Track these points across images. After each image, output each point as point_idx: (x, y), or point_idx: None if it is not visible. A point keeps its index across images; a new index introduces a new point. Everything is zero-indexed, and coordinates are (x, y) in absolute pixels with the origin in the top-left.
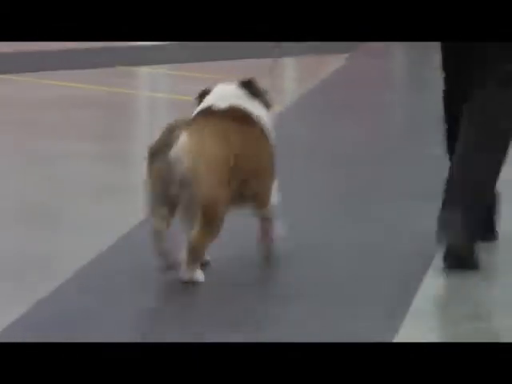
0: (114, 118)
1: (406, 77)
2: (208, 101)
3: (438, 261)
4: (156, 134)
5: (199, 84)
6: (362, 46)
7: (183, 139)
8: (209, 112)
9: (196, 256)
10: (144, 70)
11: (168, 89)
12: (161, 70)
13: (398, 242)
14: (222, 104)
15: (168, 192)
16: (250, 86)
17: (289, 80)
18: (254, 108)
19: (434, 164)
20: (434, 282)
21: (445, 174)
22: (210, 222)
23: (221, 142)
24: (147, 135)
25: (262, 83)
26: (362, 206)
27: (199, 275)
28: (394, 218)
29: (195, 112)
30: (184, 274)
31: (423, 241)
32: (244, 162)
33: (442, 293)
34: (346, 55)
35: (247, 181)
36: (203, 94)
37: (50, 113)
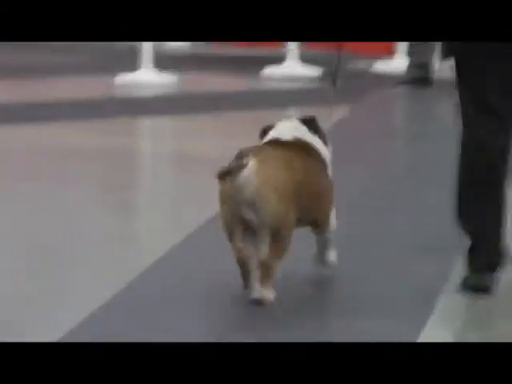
0: (115, 169)
1: (408, 128)
2: (273, 134)
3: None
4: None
5: (202, 136)
6: (365, 98)
7: (251, 164)
8: (274, 143)
9: (269, 275)
10: (147, 121)
11: (171, 140)
12: (164, 121)
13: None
14: (286, 136)
15: (241, 214)
16: (310, 123)
17: None
18: (314, 141)
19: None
20: None
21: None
22: (279, 242)
23: (285, 169)
24: (150, 185)
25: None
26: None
27: (271, 294)
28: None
29: (264, 141)
30: (257, 293)
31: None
32: (306, 188)
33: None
34: (348, 107)
35: (309, 206)
36: (267, 129)
37: (53, 162)
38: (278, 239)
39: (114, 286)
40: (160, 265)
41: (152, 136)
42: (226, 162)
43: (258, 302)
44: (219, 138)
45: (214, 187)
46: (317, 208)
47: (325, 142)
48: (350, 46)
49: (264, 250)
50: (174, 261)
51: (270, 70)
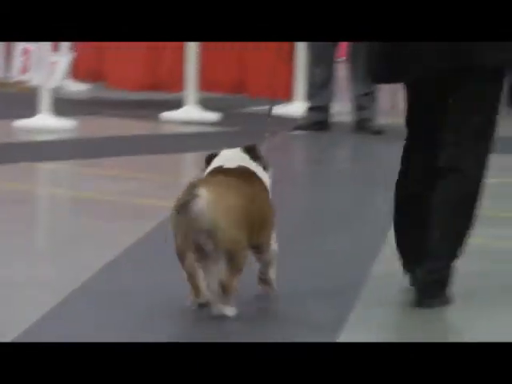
0: (14, 213)
1: (304, 172)
2: (218, 162)
3: None
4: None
5: (101, 179)
6: (261, 144)
7: (204, 194)
8: (221, 171)
9: (228, 293)
10: (46, 166)
11: (69, 185)
12: (63, 166)
13: None
14: (230, 164)
15: (195, 240)
16: (251, 151)
17: (187, 176)
18: (256, 168)
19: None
20: None
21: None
22: (236, 263)
23: (235, 196)
24: (49, 229)
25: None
26: None
27: (231, 310)
28: None
29: (207, 171)
30: (217, 309)
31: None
32: (253, 214)
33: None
34: None
35: (256, 231)
36: (211, 158)
37: None
38: (234, 261)
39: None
40: (61, 309)
41: (51, 181)
42: (125, 204)
43: (220, 317)
44: (118, 181)
45: (114, 229)
46: (262, 232)
47: (265, 168)
48: (249, 91)
49: (222, 271)
50: (71, 308)
51: (168, 114)
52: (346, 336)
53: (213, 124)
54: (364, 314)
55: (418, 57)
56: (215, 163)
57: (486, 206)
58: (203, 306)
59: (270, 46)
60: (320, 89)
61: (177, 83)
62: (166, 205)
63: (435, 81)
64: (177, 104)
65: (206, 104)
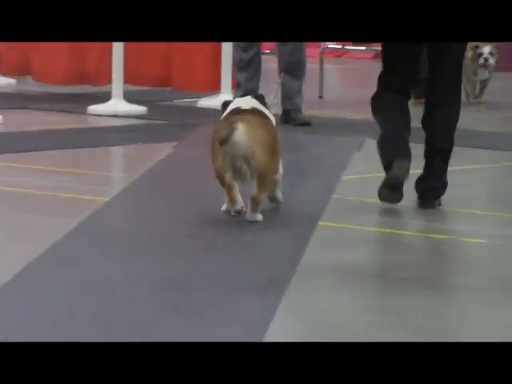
0: None
1: None
2: (235, 105)
3: None
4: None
5: (27, 174)
6: (189, 135)
7: (240, 128)
8: (240, 111)
9: (257, 204)
10: None
11: None
12: None
13: None
14: (247, 107)
15: (234, 164)
16: (259, 98)
17: (116, 169)
18: (265, 111)
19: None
20: None
21: None
22: (264, 182)
23: (263, 129)
24: None
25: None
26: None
27: (260, 217)
28: None
29: (229, 111)
30: (250, 216)
31: None
32: (271, 142)
33: None
34: (173, 144)
35: (272, 155)
36: (226, 104)
37: None
38: (263, 181)
39: None
40: None
41: None
42: (53, 198)
43: (252, 222)
44: (46, 175)
45: (42, 224)
46: (275, 157)
47: (268, 109)
48: (174, 84)
49: (254, 188)
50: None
51: (95, 108)
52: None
53: (139, 117)
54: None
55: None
56: (233, 106)
57: None
58: (238, 212)
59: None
60: (250, 79)
61: (103, 77)
62: (95, 199)
63: None
64: (104, 97)
65: (132, 97)
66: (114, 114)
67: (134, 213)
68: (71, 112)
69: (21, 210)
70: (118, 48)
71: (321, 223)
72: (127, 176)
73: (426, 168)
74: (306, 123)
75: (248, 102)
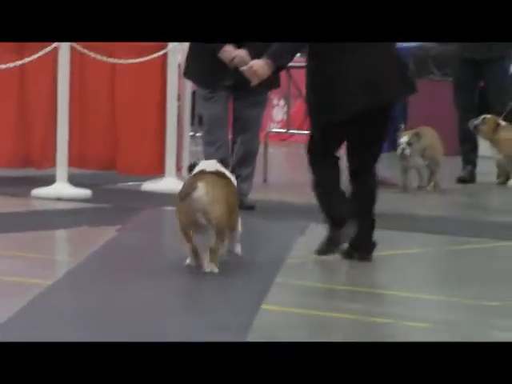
0: None
1: (176, 247)
2: (199, 168)
3: None
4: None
5: None
6: (133, 219)
7: (201, 186)
8: (205, 172)
9: (215, 255)
10: None
11: None
12: None
13: None
14: (211, 169)
15: (193, 219)
16: (223, 162)
17: (60, 253)
18: (227, 172)
19: None
20: None
21: None
22: (222, 235)
23: (220, 188)
24: None
25: None
26: None
27: (216, 268)
28: None
29: (194, 172)
30: (208, 266)
31: None
32: (230, 201)
33: None
34: (118, 227)
35: (230, 213)
36: (192, 166)
37: None
38: (220, 234)
39: None
40: None
41: None
42: None
43: (210, 273)
44: None
45: (7, 306)
46: (234, 215)
47: (232, 172)
48: (119, 167)
49: (212, 240)
50: None
51: (39, 191)
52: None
53: (84, 200)
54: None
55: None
56: (198, 168)
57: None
58: (198, 266)
59: (140, 124)
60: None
61: (47, 159)
62: (39, 282)
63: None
64: (48, 180)
65: (76, 180)
66: (59, 197)
67: (78, 295)
68: (15, 195)
69: None
70: (62, 131)
71: (263, 307)
72: (71, 259)
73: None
74: (250, 207)
75: (212, 165)
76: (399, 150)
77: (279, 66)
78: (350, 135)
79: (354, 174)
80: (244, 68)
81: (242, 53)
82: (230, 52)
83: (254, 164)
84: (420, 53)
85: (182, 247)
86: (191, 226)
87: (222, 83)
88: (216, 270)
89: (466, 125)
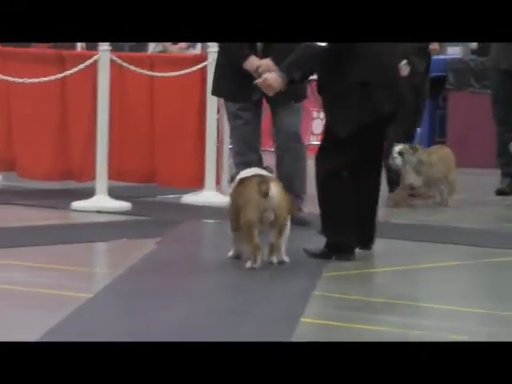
0: None
1: (215, 259)
2: (248, 173)
3: None
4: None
5: (11, 270)
6: (173, 231)
7: (274, 187)
8: (259, 175)
9: (279, 249)
10: None
11: None
12: None
13: None
14: (263, 173)
15: (262, 215)
16: (267, 169)
17: (100, 265)
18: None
19: None
20: None
21: None
22: (283, 232)
23: (283, 189)
24: None
25: None
26: None
27: (287, 258)
28: None
29: (246, 175)
30: (276, 259)
31: None
32: (288, 199)
33: None
34: (157, 239)
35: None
36: (233, 176)
37: None
38: (283, 231)
39: None
40: None
41: None
42: (37, 295)
43: (281, 262)
44: (30, 271)
45: (25, 320)
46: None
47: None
48: (159, 180)
49: (276, 235)
50: None
51: (79, 204)
52: None
53: (123, 213)
54: None
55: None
56: (246, 173)
57: None
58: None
59: (179, 137)
60: None
61: (87, 173)
62: (79, 295)
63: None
64: (88, 193)
65: (116, 193)
66: (98, 209)
67: (118, 308)
68: (55, 208)
69: (3, 305)
70: (102, 144)
71: (302, 320)
72: (111, 272)
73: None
74: (305, 222)
75: (260, 171)
76: (390, 161)
77: (292, 80)
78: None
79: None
80: (258, 81)
81: (266, 62)
82: (254, 62)
83: (303, 176)
84: (458, 65)
85: (221, 258)
86: (258, 222)
87: (249, 98)
88: (287, 260)
89: (504, 137)
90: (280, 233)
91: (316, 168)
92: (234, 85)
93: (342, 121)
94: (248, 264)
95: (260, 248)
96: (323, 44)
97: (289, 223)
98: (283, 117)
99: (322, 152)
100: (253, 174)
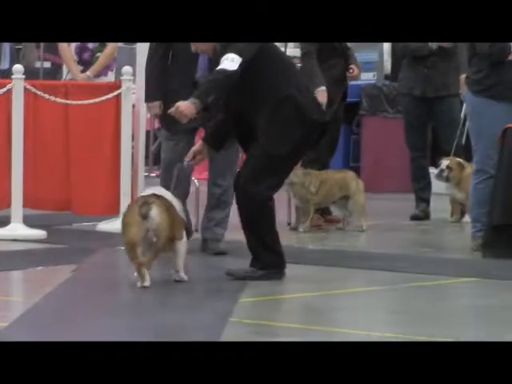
0: None
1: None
2: (147, 192)
3: None
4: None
5: None
6: (89, 259)
7: (156, 209)
8: (153, 196)
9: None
10: None
11: None
12: None
13: None
14: (157, 192)
15: (144, 235)
16: (166, 188)
17: (15, 294)
18: (168, 195)
19: None
20: None
21: None
22: (158, 252)
23: (166, 209)
24: None
25: None
26: None
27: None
28: None
29: (143, 194)
30: (177, 276)
31: None
32: (171, 220)
33: None
34: (73, 266)
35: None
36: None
37: None
38: (159, 252)
39: None
40: None
41: None
42: None
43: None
44: None
45: None
46: (173, 231)
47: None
48: (74, 208)
49: (152, 253)
50: None
51: None
52: None
53: (39, 241)
54: None
55: None
56: (144, 193)
57: None
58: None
59: (94, 164)
60: None
61: (2, 200)
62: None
63: None
64: (3, 221)
65: (31, 221)
66: (14, 238)
67: (35, 335)
68: None
69: None
70: (16, 171)
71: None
72: (28, 300)
73: None
74: (221, 253)
75: (157, 190)
76: None
77: (206, 104)
78: None
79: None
80: (171, 110)
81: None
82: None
83: (228, 208)
84: (372, 90)
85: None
86: (140, 242)
87: (181, 126)
88: (186, 278)
89: (419, 163)
90: (155, 253)
91: (249, 194)
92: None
93: (281, 137)
94: (138, 284)
95: (144, 264)
96: (233, 68)
97: (184, 241)
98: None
99: (253, 179)
100: (148, 193)
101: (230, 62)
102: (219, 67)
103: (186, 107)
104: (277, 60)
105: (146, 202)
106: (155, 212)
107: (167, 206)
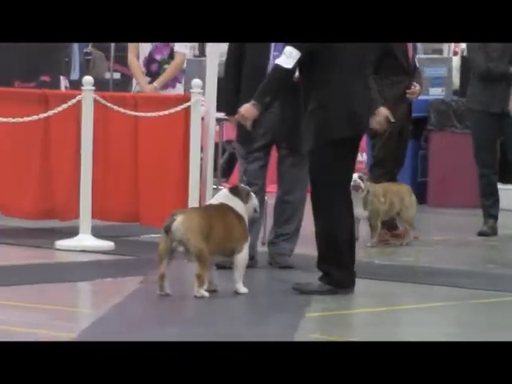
0: None
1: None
2: (215, 200)
3: None
4: None
5: None
6: (155, 271)
7: (178, 218)
8: (205, 206)
9: (201, 282)
10: None
11: None
12: None
13: None
14: (215, 202)
15: (171, 247)
16: (234, 190)
17: (83, 305)
18: (234, 203)
19: None
20: None
21: None
22: (203, 261)
23: (200, 218)
24: None
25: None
26: None
27: (205, 293)
28: None
29: (210, 203)
30: (196, 291)
31: None
32: (218, 231)
33: None
34: (141, 278)
35: (220, 241)
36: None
37: None
38: (201, 261)
39: None
40: None
41: None
42: (19, 334)
43: (200, 298)
44: (12, 311)
45: None
46: (227, 243)
47: (244, 201)
48: (142, 219)
49: (196, 267)
50: None
51: (63, 243)
52: None
53: (107, 252)
54: None
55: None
56: (213, 201)
57: None
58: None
59: (163, 176)
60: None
61: (71, 211)
62: (62, 335)
63: None
64: (71, 232)
65: (100, 232)
66: (82, 249)
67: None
68: (39, 247)
69: None
70: (85, 182)
71: None
72: (95, 312)
73: None
74: (287, 267)
75: (219, 198)
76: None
77: (265, 104)
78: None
79: None
80: (236, 116)
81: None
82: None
83: (297, 223)
84: (440, 106)
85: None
86: (167, 255)
87: (253, 144)
88: (206, 294)
89: (490, 179)
90: (202, 264)
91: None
92: (243, 129)
93: (304, 138)
94: (157, 291)
95: (163, 277)
96: (288, 66)
97: (243, 254)
98: (288, 166)
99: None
100: (215, 203)
101: (287, 57)
102: (276, 61)
103: (246, 110)
104: (333, 64)
105: (171, 214)
106: (178, 223)
107: (226, 218)
